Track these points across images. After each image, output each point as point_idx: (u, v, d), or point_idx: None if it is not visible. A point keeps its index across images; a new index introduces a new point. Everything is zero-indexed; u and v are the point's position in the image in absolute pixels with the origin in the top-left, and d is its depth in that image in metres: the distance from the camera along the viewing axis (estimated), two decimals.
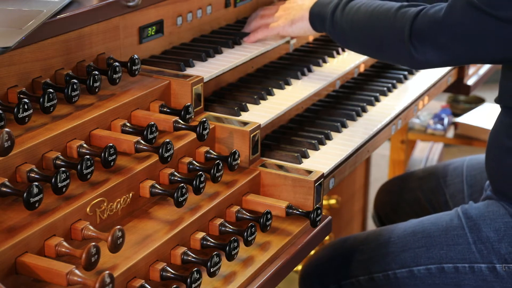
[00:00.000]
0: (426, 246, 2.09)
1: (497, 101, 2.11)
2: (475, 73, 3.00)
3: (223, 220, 1.73)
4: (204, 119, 1.80)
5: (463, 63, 2.17)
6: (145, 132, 1.71)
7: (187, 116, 1.84)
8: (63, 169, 1.50)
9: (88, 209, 1.55)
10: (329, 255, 2.26)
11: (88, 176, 1.56)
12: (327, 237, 2.43)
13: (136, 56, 1.86)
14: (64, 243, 1.46)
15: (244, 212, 1.78)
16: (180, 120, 1.81)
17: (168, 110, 1.86)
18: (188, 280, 1.52)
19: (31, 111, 1.58)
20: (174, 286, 1.51)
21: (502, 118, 2.09)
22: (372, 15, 2.05)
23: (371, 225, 3.52)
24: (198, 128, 1.79)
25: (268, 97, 2.14)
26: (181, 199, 1.66)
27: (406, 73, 2.58)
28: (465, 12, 1.89)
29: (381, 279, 2.12)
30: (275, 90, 2.18)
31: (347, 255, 2.21)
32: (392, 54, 2.05)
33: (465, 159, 2.58)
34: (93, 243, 1.41)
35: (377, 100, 2.37)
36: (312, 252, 2.85)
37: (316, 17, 2.17)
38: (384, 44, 2.04)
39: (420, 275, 2.09)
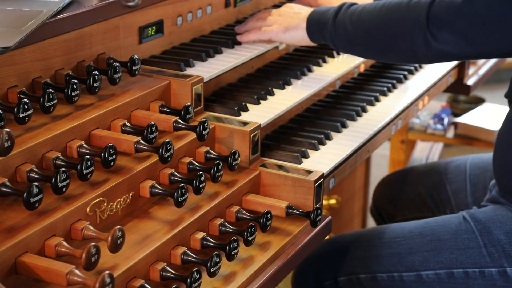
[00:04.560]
0: (436, 250, 2.06)
1: (506, 95, 2.08)
2: (475, 73, 3.00)
3: (223, 220, 1.73)
4: (204, 119, 1.80)
5: (483, 55, 2.06)
6: (145, 132, 1.71)
7: (187, 116, 1.84)
8: (63, 169, 1.50)
9: (88, 209, 1.55)
10: (325, 250, 2.22)
11: (88, 176, 1.56)
12: (327, 237, 2.43)
13: (136, 56, 1.86)
14: (64, 243, 1.46)
15: (244, 212, 1.78)
16: (180, 120, 1.81)
17: (168, 110, 1.86)
18: (188, 280, 1.52)
19: (31, 111, 1.58)
20: (174, 286, 1.51)
21: (511, 115, 2.06)
22: (381, 11, 2.01)
23: (371, 225, 3.51)
24: (198, 128, 1.79)
25: (268, 97, 2.14)
26: (181, 199, 1.66)
27: (406, 73, 2.58)
28: None
29: (385, 279, 2.10)
30: (275, 90, 2.18)
31: (345, 250, 2.18)
32: (405, 47, 1.98)
33: (468, 157, 2.56)
34: (93, 243, 1.41)
35: (377, 100, 2.37)
36: None
37: (314, 25, 2.13)
38: (397, 38, 1.99)
39: (428, 280, 2.06)
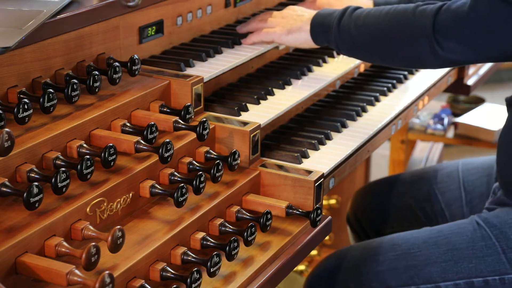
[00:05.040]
0: (454, 260, 2.03)
1: (508, 100, 2.06)
2: (475, 73, 3.00)
3: (223, 220, 1.73)
4: (204, 119, 1.80)
5: (488, 60, 2.08)
6: (145, 132, 1.71)
7: (187, 116, 1.84)
8: (63, 169, 1.50)
9: (88, 209, 1.55)
10: (336, 264, 2.18)
11: (88, 176, 1.56)
12: (327, 237, 2.43)
13: (136, 56, 1.86)
14: (64, 243, 1.46)
15: (244, 212, 1.78)
16: (180, 120, 1.81)
17: (168, 110, 1.86)
18: (188, 280, 1.52)
19: (31, 111, 1.58)
20: (174, 286, 1.51)
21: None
22: (387, 16, 2.00)
23: None
24: (198, 128, 1.79)
25: (268, 97, 2.14)
26: (181, 199, 1.66)
27: (406, 73, 2.58)
28: (491, 5, 1.84)
29: None
30: (275, 90, 2.18)
31: (357, 264, 2.13)
32: (411, 54, 1.98)
33: (458, 163, 2.52)
34: (93, 243, 1.41)
35: (377, 100, 2.37)
36: (315, 253, 2.86)
37: (318, 27, 2.12)
38: (402, 44, 1.99)
39: None
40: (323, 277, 2.19)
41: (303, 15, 2.19)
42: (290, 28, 2.17)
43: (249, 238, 1.69)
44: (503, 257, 2.00)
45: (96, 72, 1.76)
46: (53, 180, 1.49)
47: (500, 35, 1.87)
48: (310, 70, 2.34)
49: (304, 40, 2.17)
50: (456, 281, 2.02)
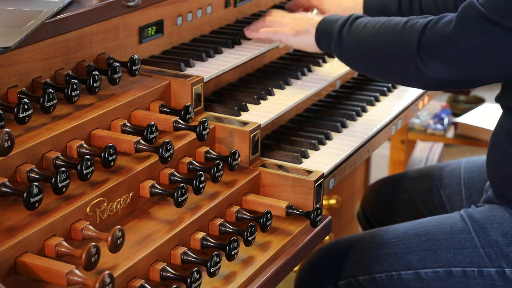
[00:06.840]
0: (433, 249, 2.06)
1: (497, 99, 2.08)
2: None
3: (223, 220, 1.73)
4: (204, 119, 1.80)
5: (474, 83, 2.03)
6: (145, 132, 1.71)
7: (187, 116, 1.84)
8: (63, 169, 1.50)
9: (88, 209, 1.55)
10: (324, 255, 2.23)
11: (88, 176, 1.56)
12: (327, 237, 2.43)
13: (136, 56, 1.86)
14: (64, 243, 1.46)
15: (244, 212, 1.78)
16: (180, 120, 1.81)
17: (168, 110, 1.87)
18: (188, 280, 1.52)
19: (31, 111, 1.58)
20: (174, 286, 1.51)
21: (503, 121, 2.05)
22: (379, 30, 1.99)
23: None
24: (198, 128, 1.79)
25: (268, 97, 2.14)
26: (181, 199, 1.66)
27: None
28: (476, 24, 1.82)
29: (384, 279, 2.10)
30: (275, 90, 2.18)
31: (343, 255, 2.18)
32: (399, 71, 1.97)
33: (461, 161, 2.54)
34: (93, 243, 1.41)
35: (377, 100, 2.37)
36: None
37: (322, 34, 2.12)
38: (390, 61, 1.98)
39: (427, 278, 2.06)
40: (313, 268, 2.23)
41: (312, 18, 2.19)
42: (298, 30, 2.17)
43: (249, 238, 1.69)
44: (481, 251, 2.02)
45: (96, 72, 1.76)
46: (53, 180, 1.49)
47: (486, 55, 1.84)
48: (310, 70, 2.34)
49: (310, 42, 2.16)
50: (435, 269, 2.05)
